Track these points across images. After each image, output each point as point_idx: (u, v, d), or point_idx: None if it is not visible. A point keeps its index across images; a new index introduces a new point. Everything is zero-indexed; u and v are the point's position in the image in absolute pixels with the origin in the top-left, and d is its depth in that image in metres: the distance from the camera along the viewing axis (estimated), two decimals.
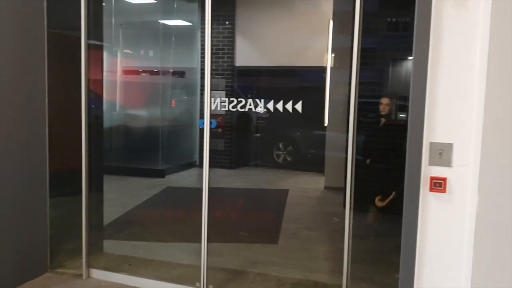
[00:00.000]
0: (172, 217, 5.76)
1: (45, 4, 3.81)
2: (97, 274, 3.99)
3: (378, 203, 5.06)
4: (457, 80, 2.47)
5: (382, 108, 5.46)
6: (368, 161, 5.34)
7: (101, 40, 4.29)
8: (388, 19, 6.47)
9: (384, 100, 5.54)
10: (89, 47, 3.82)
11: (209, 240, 3.69)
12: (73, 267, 4.09)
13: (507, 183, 2.41)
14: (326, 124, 6.75)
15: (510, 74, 2.36)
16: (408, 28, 6.03)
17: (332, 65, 6.73)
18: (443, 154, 2.51)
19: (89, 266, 4.00)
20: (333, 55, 6.69)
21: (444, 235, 2.58)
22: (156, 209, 6.17)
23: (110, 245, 4.57)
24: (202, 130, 3.66)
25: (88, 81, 3.84)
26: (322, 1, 7.96)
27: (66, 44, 4.40)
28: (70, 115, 4.16)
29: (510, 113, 2.36)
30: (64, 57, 4.33)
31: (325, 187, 7.15)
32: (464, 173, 2.48)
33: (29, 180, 3.83)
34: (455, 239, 2.56)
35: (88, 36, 3.82)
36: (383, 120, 5.47)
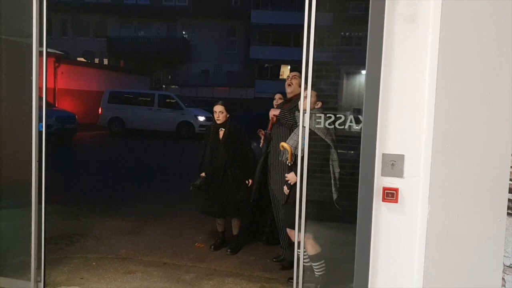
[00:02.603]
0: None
1: None
2: None
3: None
4: (408, 94, 2.57)
5: (217, 117, 4.69)
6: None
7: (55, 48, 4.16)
8: (342, 33, 6.58)
9: (218, 108, 4.71)
10: (41, 54, 3.69)
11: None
12: (21, 282, 3.90)
13: (456, 192, 2.51)
14: None
15: (458, 88, 2.47)
16: (361, 42, 6.13)
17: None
18: (395, 165, 2.59)
19: (38, 280, 3.84)
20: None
21: (397, 244, 2.66)
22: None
23: (61, 258, 4.42)
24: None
25: (39, 89, 3.70)
26: None
27: (18, 51, 4.23)
28: (21, 124, 3.99)
29: (458, 125, 2.47)
30: (16, 65, 4.15)
31: None
32: (415, 183, 2.57)
33: None
34: (407, 247, 2.64)
35: (40, 44, 3.68)
36: (222, 130, 4.73)
